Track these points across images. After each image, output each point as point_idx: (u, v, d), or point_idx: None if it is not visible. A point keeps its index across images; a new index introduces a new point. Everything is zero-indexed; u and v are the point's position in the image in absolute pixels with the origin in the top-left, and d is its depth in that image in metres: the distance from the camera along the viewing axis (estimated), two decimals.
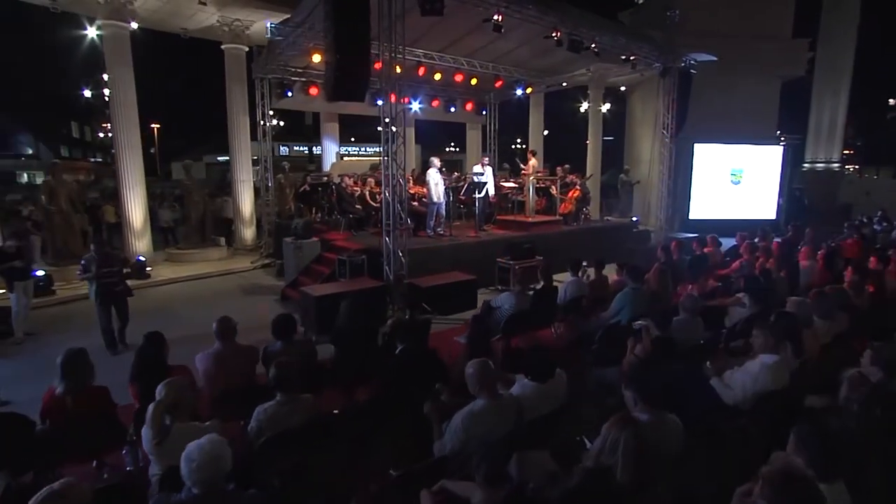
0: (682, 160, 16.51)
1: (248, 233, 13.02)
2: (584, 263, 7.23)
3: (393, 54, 7.64)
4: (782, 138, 17.33)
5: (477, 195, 10.33)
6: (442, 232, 9.97)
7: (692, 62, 11.87)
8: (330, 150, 14.28)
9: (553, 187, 11.89)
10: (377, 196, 10.72)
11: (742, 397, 3.72)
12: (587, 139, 19.43)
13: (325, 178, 11.62)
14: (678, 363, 4.04)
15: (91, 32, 19.50)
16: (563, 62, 13.35)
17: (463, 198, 10.85)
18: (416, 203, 10.53)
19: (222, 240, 12.72)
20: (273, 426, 3.27)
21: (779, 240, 10.93)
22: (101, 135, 36.24)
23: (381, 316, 7.47)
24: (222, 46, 12.57)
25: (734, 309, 5.78)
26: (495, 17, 8.45)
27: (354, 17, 6.72)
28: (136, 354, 3.89)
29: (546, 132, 36.10)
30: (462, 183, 10.50)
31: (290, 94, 12.04)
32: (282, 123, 36.13)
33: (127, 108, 10.98)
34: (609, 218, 17.40)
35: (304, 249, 9.28)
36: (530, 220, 10.66)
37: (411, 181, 10.57)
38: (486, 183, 10.29)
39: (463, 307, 8.13)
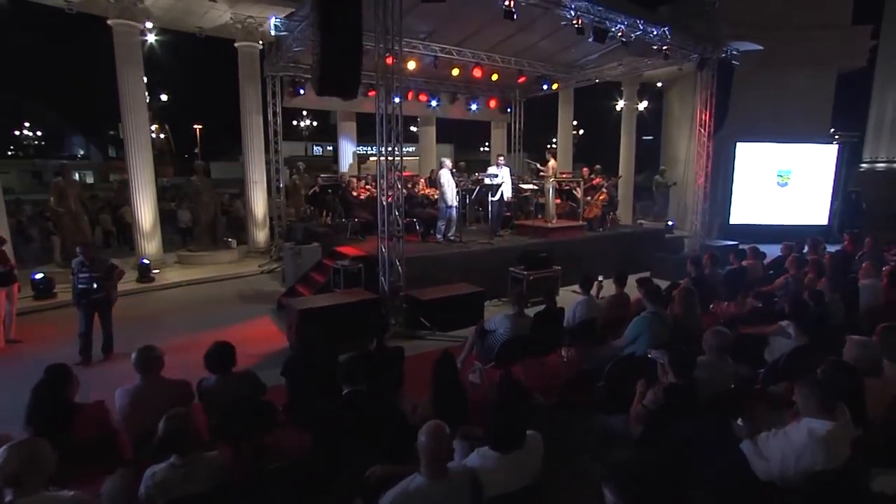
0: (723, 161, 15.16)
1: (261, 235, 12.56)
2: (601, 278, 6.27)
3: (388, 45, 6.86)
4: (836, 136, 15.66)
5: (491, 198, 9.47)
6: (453, 238, 9.17)
7: (734, 53, 10.63)
8: (347, 151, 13.68)
9: (577, 190, 10.90)
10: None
11: (780, 474, 2.78)
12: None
13: (338, 180, 10.97)
14: (697, 420, 3.14)
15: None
16: (591, 55, 12.33)
17: (475, 201, 10.00)
18: (426, 206, 9.77)
19: (234, 242, 12.30)
20: (164, 495, 2.57)
21: (833, 250, 9.64)
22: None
23: (376, 332, 6.72)
24: (235, 44, 12.13)
25: (776, 339, 4.76)
26: (506, 3, 7.56)
27: (343, 2, 6.00)
28: (32, 392, 3.25)
29: (581, 132, 34.91)
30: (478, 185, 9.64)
31: (302, 91, 11.47)
32: (314, 123, 36.17)
33: (136, 109, 10.66)
34: (642, 221, 16.21)
35: (304, 255, 8.66)
36: (550, 225, 9.72)
37: (423, 183, 9.79)
38: (500, 185, 9.41)
39: (468, 322, 7.28)
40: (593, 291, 5.93)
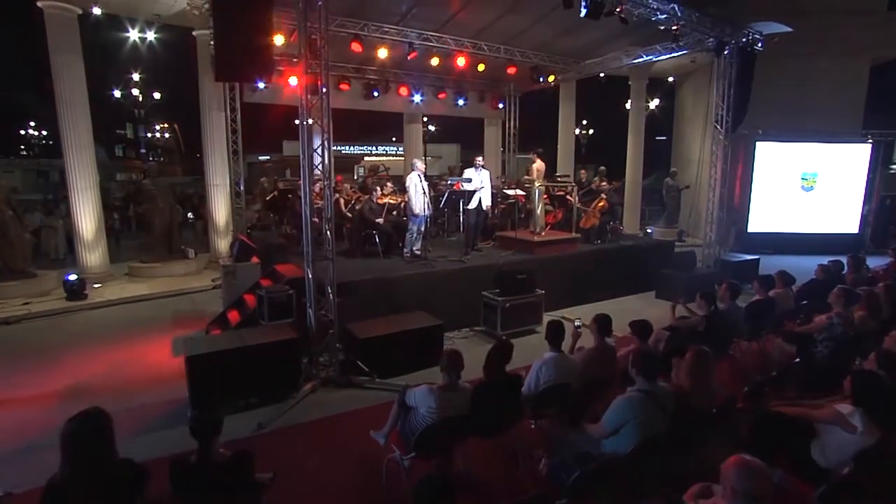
0: (741, 162, 13.35)
1: (224, 243, 11.11)
2: (578, 322, 4.65)
3: (314, 24, 5.32)
4: (869, 134, 13.73)
5: (465, 206, 7.87)
6: (419, 252, 7.61)
7: (756, 36, 8.86)
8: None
9: (570, 196, 9.25)
10: (355, 205, 8.49)
11: None
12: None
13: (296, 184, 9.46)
14: None
15: (132, 35, 18.81)
16: (593, 43, 10.63)
17: (443, 210, 8.42)
18: (394, 214, 8.21)
19: (193, 252, 10.87)
20: None
21: (882, 265, 7.91)
22: (149, 134, 36.03)
23: (294, 384, 5.21)
24: (193, 33, 10.71)
25: (831, 431, 3.12)
26: None
27: None
28: None
29: (591, 131, 32.88)
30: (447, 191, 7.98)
31: (260, 84, 9.97)
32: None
33: (74, 102, 9.27)
34: (651, 229, 14.47)
35: (239, 275, 7.17)
36: (537, 238, 8.08)
37: (383, 190, 8.23)
38: (476, 191, 7.80)
39: (420, 364, 5.76)
40: (566, 344, 4.29)
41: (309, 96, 5.30)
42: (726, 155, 9.28)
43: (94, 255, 9.69)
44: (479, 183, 8.05)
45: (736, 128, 9.40)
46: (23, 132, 35.03)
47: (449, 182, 8.20)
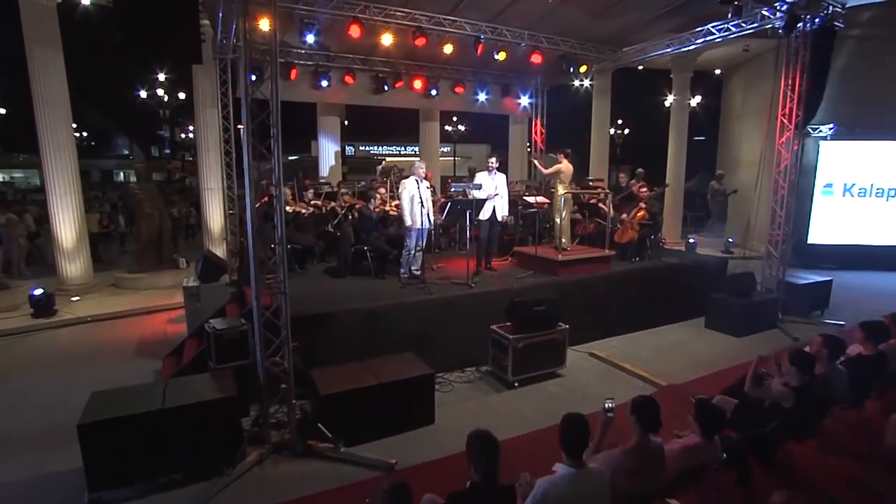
0: (799, 163, 11.38)
1: (219, 251, 9.99)
2: (609, 405, 3.07)
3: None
4: None
5: (475, 218, 6.42)
6: (417, 273, 6.22)
7: (837, 9, 7.07)
8: (328, 151, 10.96)
9: (604, 204, 7.69)
10: (347, 215, 7.18)
11: None
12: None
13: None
14: None
15: None
16: (632, 27, 9.01)
17: (444, 222, 7.00)
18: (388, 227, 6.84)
19: (183, 261, 9.82)
20: None
21: None
22: (182, 135, 35.86)
23: (232, 454, 3.91)
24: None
25: None
26: None
27: None
28: None
29: (626, 131, 30.65)
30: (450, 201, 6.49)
31: (253, 77, 8.75)
32: (346, 123, 33.79)
33: (53, 99, 8.32)
34: (694, 238, 12.65)
35: (204, 297, 5.95)
36: (561, 257, 6.56)
37: (381, 195, 6.85)
38: (484, 199, 6.34)
39: (399, 426, 4.39)
40: (590, 448, 2.78)
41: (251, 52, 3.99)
42: (796, 155, 7.51)
43: (74, 266, 8.74)
44: (493, 189, 6.60)
45: (808, 122, 7.62)
46: None
47: (453, 189, 6.77)
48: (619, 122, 28.41)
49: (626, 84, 15.13)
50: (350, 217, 6.68)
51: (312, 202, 7.78)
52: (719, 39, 8.50)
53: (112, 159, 37.70)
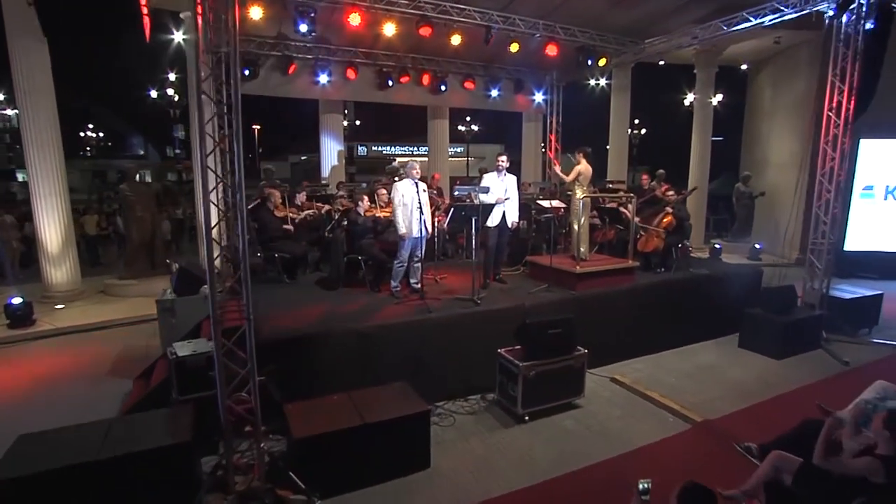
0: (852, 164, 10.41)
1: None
2: (645, 485, 2.28)
3: None
4: None
5: (488, 224, 5.67)
6: (417, 285, 5.48)
7: None
8: (331, 151, 10.28)
9: (626, 209, 6.89)
10: (340, 220, 6.46)
11: None
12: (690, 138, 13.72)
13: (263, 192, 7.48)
14: None
15: (177, 36, 17.76)
16: (656, 15, 8.21)
17: (447, 229, 6.26)
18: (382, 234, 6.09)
19: (176, 266, 9.20)
20: None
21: None
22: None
23: None
24: (181, 15, 9.04)
25: None
26: None
27: None
28: None
29: (643, 131, 29.53)
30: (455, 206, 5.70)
31: (247, 72, 8.15)
32: (357, 122, 33.19)
33: (34, 92, 7.76)
34: (719, 244, 11.75)
35: (180, 312, 5.30)
36: (579, 269, 5.78)
37: (367, 200, 6.12)
38: (493, 204, 5.57)
39: (387, 472, 3.67)
40: None
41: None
42: (844, 155, 6.63)
43: (60, 272, 8.19)
44: (503, 192, 5.84)
45: (858, 117, 6.73)
46: (82, 134, 35.56)
47: (456, 192, 6.03)
48: (636, 121, 27.39)
49: (642, 81, 14.23)
50: (344, 222, 5.97)
51: (305, 206, 7.09)
52: (755, 27, 7.63)
53: (128, 159, 37.67)
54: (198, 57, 3.45)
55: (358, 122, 33.40)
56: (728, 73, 15.72)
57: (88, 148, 37.85)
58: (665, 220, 6.83)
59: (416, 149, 34.46)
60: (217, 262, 8.50)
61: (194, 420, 3.45)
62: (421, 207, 5.08)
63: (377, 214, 6.02)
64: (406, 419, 3.71)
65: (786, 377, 5.66)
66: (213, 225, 3.64)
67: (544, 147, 12.01)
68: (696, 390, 5.36)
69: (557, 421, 4.66)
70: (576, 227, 6.09)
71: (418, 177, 5.29)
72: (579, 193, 6.06)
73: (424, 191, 5.25)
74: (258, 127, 39.14)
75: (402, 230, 5.23)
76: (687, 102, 22.11)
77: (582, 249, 6.12)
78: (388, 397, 3.95)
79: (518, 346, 4.72)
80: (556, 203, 6.53)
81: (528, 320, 4.61)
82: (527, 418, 4.59)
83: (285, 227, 6.11)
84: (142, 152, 38.45)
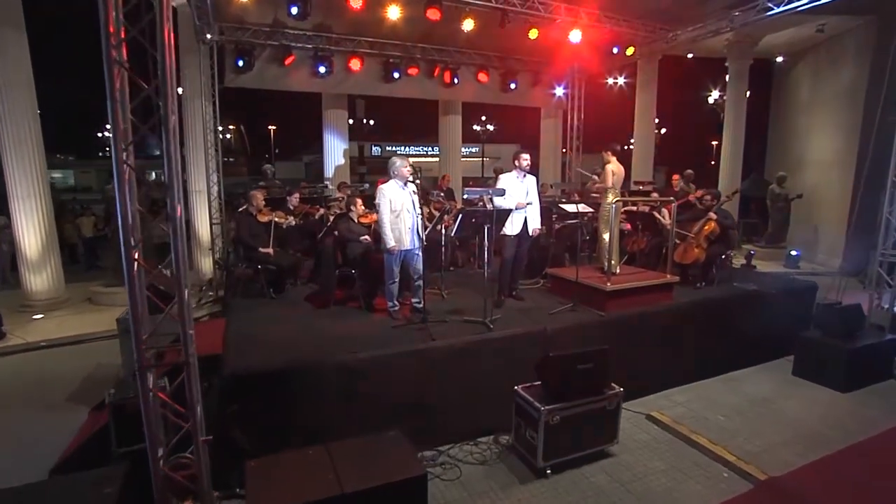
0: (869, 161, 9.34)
1: (207, 261, 8.67)
2: None
3: None
4: None
5: (506, 232, 4.80)
6: (419, 305, 4.63)
7: None
8: (335, 149, 9.48)
9: (662, 214, 5.95)
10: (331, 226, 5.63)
11: None
12: (714, 137, 12.65)
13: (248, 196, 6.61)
14: None
15: None
16: (686, 0, 7.27)
17: (455, 237, 5.38)
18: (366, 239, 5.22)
19: (168, 273, 8.47)
20: None
21: None
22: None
23: None
24: (173, 4, 8.29)
25: None
26: None
27: None
28: None
29: (664, 130, 28.23)
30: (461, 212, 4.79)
31: (240, 63, 7.38)
32: (371, 122, 32.46)
33: (12, 86, 7.08)
34: (752, 250, 10.73)
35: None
36: (610, 285, 4.87)
37: (360, 204, 5.26)
38: (508, 210, 4.69)
39: None
40: None
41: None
42: None
43: (39, 279, 7.51)
44: (524, 196, 4.95)
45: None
46: (100, 134, 35.44)
47: (466, 195, 5.15)
48: (656, 120, 26.17)
49: (662, 78, 13.18)
50: (335, 231, 5.14)
51: (298, 210, 6.27)
52: (802, 8, 6.63)
53: (142, 159, 37.39)
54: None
55: (371, 122, 32.69)
56: (764, 68, 14.56)
57: (107, 148, 37.84)
58: (707, 227, 5.87)
59: (431, 149, 33.56)
60: (209, 271, 7.77)
61: (121, 490, 2.63)
62: (416, 209, 4.21)
63: (367, 222, 5.15)
64: (397, 487, 2.86)
65: (859, 417, 4.69)
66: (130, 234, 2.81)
67: (565, 148, 11.06)
68: (752, 433, 4.41)
69: (587, 475, 3.76)
70: (606, 236, 5.17)
71: (410, 177, 4.42)
72: (610, 197, 5.15)
73: (415, 192, 4.37)
74: (273, 127, 38.68)
75: (391, 243, 4.36)
76: (710, 100, 21.01)
77: (613, 261, 5.20)
78: (376, 452, 3.11)
79: (539, 382, 3.84)
80: (582, 207, 5.61)
81: (551, 353, 3.72)
82: (549, 472, 3.71)
83: (263, 250, 5.27)
84: (158, 152, 38.22)
